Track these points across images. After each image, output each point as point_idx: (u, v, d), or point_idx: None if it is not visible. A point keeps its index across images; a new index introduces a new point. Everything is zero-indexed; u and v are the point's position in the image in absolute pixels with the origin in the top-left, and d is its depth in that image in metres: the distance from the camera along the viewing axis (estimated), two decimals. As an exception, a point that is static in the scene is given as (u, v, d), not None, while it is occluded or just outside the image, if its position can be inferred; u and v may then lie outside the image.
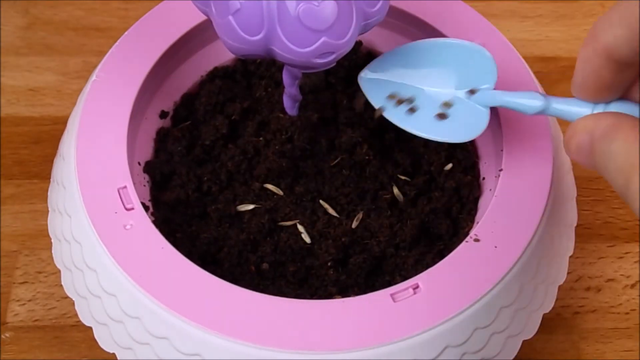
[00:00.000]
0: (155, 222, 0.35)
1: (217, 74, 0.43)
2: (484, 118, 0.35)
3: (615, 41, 0.25)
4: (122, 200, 0.34)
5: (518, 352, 0.35)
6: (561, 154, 0.39)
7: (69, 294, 0.36)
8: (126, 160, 0.36)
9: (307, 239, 0.37)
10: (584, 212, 0.47)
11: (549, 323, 0.41)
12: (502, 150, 0.37)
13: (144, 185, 0.39)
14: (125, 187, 0.35)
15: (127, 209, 0.34)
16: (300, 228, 0.38)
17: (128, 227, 0.34)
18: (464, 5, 0.41)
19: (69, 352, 0.41)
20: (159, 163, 0.40)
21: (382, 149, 0.40)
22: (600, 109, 0.29)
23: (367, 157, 0.39)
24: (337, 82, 0.42)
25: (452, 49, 0.36)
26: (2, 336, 0.42)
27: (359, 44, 0.43)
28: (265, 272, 0.37)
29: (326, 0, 0.31)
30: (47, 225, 0.38)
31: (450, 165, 0.40)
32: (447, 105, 0.35)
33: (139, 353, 0.33)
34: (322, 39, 0.31)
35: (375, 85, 0.37)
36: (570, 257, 0.38)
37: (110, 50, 0.39)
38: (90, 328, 0.35)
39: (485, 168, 0.40)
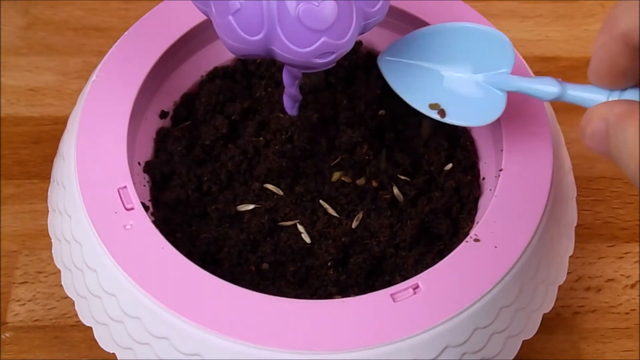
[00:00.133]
0: (155, 222, 0.35)
1: (217, 74, 0.43)
2: (501, 102, 0.35)
3: (634, 27, 0.25)
4: (122, 200, 0.34)
5: (518, 352, 0.35)
6: (561, 154, 0.39)
7: (69, 294, 0.36)
8: (126, 160, 0.36)
9: (307, 239, 0.37)
10: (584, 212, 0.47)
11: (549, 323, 0.41)
12: (502, 150, 0.37)
13: (144, 185, 0.39)
14: (125, 187, 0.35)
15: (127, 209, 0.34)
16: (300, 228, 0.38)
17: (128, 227, 0.34)
18: (464, 5, 0.41)
19: (69, 352, 0.41)
20: (159, 163, 0.40)
21: (382, 149, 0.40)
22: (615, 96, 0.29)
23: (367, 157, 0.39)
24: (337, 82, 0.42)
25: (471, 33, 0.37)
26: (2, 336, 0.42)
27: (359, 44, 0.43)
28: (265, 272, 0.37)
29: (326, 0, 0.31)
30: (47, 225, 0.38)
31: (450, 165, 0.40)
32: (465, 88, 0.36)
33: (139, 353, 0.33)
34: (322, 39, 0.31)
35: (394, 67, 0.38)
36: (570, 257, 0.38)
37: (110, 50, 0.39)
38: (90, 328, 0.35)
39: (485, 168, 0.40)
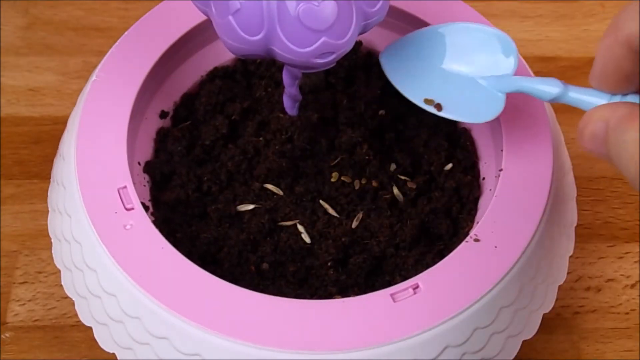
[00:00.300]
0: (155, 222, 0.35)
1: (217, 74, 0.43)
2: (500, 103, 0.35)
3: (638, 32, 0.25)
4: (122, 200, 0.34)
5: (518, 352, 0.35)
6: (561, 154, 0.39)
7: (69, 294, 0.36)
8: (126, 160, 0.36)
9: (307, 239, 0.37)
10: (584, 212, 0.47)
11: (549, 323, 0.41)
12: (502, 150, 0.37)
13: (144, 185, 0.39)
14: (125, 187, 0.35)
15: (127, 209, 0.34)
16: (300, 228, 0.38)
17: (128, 227, 0.34)
18: (464, 5, 0.41)
19: (69, 352, 0.41)
20: (159, 163, 0.40)
21: (382, 149, 0.40)
22: (617, 100, 0.29)
23: (367, 157, 0.39)
24: (337, 82, 0.42)
25: (474, 33, 0.36)
26: (2, 336, 0.42)
27: (359, 44, 0.43)
28: (265, 272, 0.37)
29: (326, 0, 0.31)
30: (47, 225, 0.38)
31: (450, 165, 0.40)
32: (465, 87, 0.36)
33: (139, 353, 0.33)
34: (322, 39, 0.31)
35: (395, 63, 0.38)
36: (570, 257, 0.38)
37: (110, 50, 0.39)
38: (90, 328, 0.35)
39: (485, 168, 0.40)
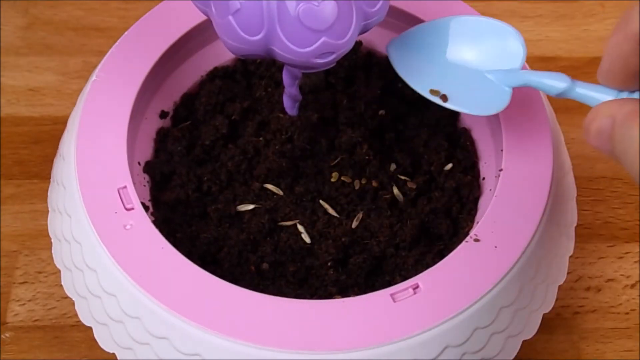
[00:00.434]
0: (155, 222, 0.35)
1: (217, 74, 0.43)
2: (506, 97, 0.35)
3: None
4: (122, 200, 0.34)
5: (518, 352, 0.35)
6: (561, 154, 0.39)
7: (69, 294, 0.36)
8: (126, 160, 0.36)
9: (307, 239, 0.37)
10: (584, 212, 0.47)
11: (549, 323, 0.41)
12: (502, 150, 0.37)
13: (144, 185, 0.39)
14: (125, 187, 0.35)
15: (127, 209, 0.34)
16: (300, 228, 0.38)
17: (128, 227, 0.34)
18: (464, 5, 0.41)
19: (69, 352, 0.41)
20: (159, 163, 0.40)
21: (382, 149, 0.40)
22: (624, 97, 0.28)
23: (367, 157, 0.39)
24: (337, 82, 0.42)
25: (483, 26, 0.36)
26: (2, 336, 0.42)
27: (359, 44, 0.43)
28: (265, 272, 0.37)
29: (326, 0, 0.31)
30: (47, 225, 0.38)
31: (450, 165, 0.40)
32: (472, 80, 0.36)
33: (139, 353, 0.33)
34: (322, 39, 0.31)
35: (402, 53, 0.37)
36: (570, 257, 0.38)
37: (110, 50, 0.39)
38: (90, 328, 0.35)
39: (485, 168, 0.40)
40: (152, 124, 0.41)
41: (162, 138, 0.41)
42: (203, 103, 0.41)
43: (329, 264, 0.36)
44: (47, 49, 0.53)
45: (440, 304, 0.32)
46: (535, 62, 0.53)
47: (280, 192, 0.39)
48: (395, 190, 0.39)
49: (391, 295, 0.32)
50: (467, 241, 0.34)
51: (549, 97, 0.39)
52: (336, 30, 0.31)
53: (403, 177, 0.40)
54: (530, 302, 0.35)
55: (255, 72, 0.43)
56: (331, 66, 0.33)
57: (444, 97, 0.36)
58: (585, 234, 0.46)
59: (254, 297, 0.32)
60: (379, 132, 0.41)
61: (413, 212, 0.38)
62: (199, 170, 0.40)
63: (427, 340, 0.31)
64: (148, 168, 0.39)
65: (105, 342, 0.34)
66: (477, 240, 0.34)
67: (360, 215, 0.38)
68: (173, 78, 0.42)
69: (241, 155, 0.39)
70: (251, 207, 0.38)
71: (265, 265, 0.37)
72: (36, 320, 0.42)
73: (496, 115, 0.38)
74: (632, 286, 0.44)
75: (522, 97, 0.37)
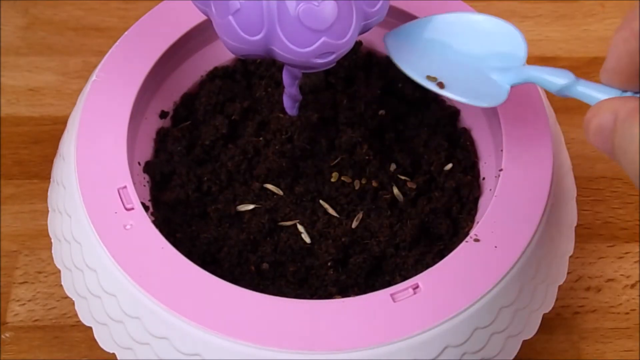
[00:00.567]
0: (155, 222, 0.35)
1: (217, 74, 0.43)
2: (503, 94, 0.34)
3: None
4: (122, 200, 0.34)
5: (518, 352, 0.35)
6: (561, 154, 0.39)
7: (69, 294, 0.36)
8: (126, 160, 0.36)
9: (307, 239, 0.37)
10: (584, 212, 0.47)
11: (549, 323, 0.41)
12: (502, 150, 0.37)
13: (144, 185, 0.39)
14: (125, 187, 0.35)
15: (127, 209, 0.34)
16: (300, 228, 0.38)
17: (128, 227, 0.34)
18: (464, 5, 0.41)
19: (69, 352, 0.41)
20: (159, 163, 0.40)
21: (382, 149, 0.40)
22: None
23: (367, 157, 0.39)
24: (337, 82, 0.42)
25: (484, 24, 0.36)
26: (2, 336, 0.42)
27: (359, 44, 0.43)
28: (265, 272, 0.37)
29: (326, 0, 0.31)
30: (47, 225, 0.38)
31: (450, 165, 0.40)
32: (470, 73, 0.35)
33: (139, 353, 0.33)
34: (322, 39, 0.31)
35: (400, 44, 0.37)
36: (570, 257, 0.38)
37: (110, 50, 0.39)
38: (90, 328, 0.35)
39: (485, 168, 0.40)
40: (152, 124, 0.41)
41: (162, 138, 0.41)
42: (203, 103, 0.41)
43: (329, 264, 0.36)
44: (47, 49, 0.53)
45: (440, 304, 0.32)
46: (535, 62, 0.53)
47: (280, 192, 0.39)
48: (395, 190, 0.39)
49: (391, 295, 0.32)
50: (467, 241, 0.34)
51: (550, 97, 0.39)
52: (336, 30, 0.31)
53: (403, 177, 0.40)
54: (530, 302, 0.35)
55: (255, 72, 0.43)
56: (331, 66, 0.33)
57: (441, 84, 0.35)
58: (585, 234, 0.46)
59: (254, 297, 0.32)
60: (379, 132, 0.41)
61: (413, 212, 0.38)
62: (199, 170, 0.40)
63: (427, 340, 0.31)
64: (148, 168, 0.39)
65: (105, 342, 0.34)
66: (477, 240, 0.34)
67: (360, 215, 0.38)
68: (173, 78, 0.42)
69: (241, 155, 0.39)
70: (251, 207, 0.38)
71: (265, 265, 0.37)
72: (36, 320, 0.42)
73: (496, 116, 0.38)
74: (632, 286, 0.44)
75: (522, 97, 0.37)
